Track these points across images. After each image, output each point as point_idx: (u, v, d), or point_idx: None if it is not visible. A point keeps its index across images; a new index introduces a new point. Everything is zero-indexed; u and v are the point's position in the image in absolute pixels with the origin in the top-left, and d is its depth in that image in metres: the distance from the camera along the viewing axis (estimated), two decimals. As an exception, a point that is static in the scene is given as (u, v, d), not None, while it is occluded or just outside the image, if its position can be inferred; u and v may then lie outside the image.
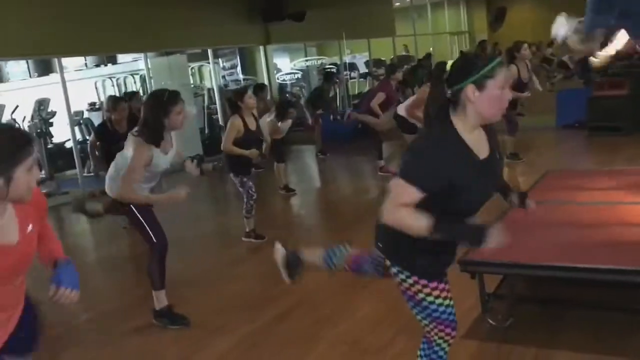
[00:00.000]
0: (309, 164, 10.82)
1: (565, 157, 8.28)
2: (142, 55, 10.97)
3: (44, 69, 12.39)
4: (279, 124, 7.50)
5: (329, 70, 13.25)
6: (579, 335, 3.27)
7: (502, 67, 2.06)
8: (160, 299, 4.02)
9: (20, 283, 2.09)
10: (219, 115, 12.17)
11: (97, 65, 12.44)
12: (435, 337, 2.37)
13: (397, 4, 17.34)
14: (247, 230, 5.86)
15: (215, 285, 4.81)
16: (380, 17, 15.39)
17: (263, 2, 11.80)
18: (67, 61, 10.95)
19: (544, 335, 3.30)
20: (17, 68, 12.97)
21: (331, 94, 11.97)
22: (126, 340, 3.96)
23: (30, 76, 12.72)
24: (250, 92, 5.89)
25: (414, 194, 2.04)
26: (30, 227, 1.95)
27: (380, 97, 8.03)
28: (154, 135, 3.76)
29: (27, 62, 12.58)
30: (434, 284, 2.27)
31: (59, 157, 10.82)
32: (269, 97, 10.33)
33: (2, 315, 2.02)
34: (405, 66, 11.71)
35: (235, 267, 5.39)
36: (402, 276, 2.29)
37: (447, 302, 2.31)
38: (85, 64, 12.59)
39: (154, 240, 3.92)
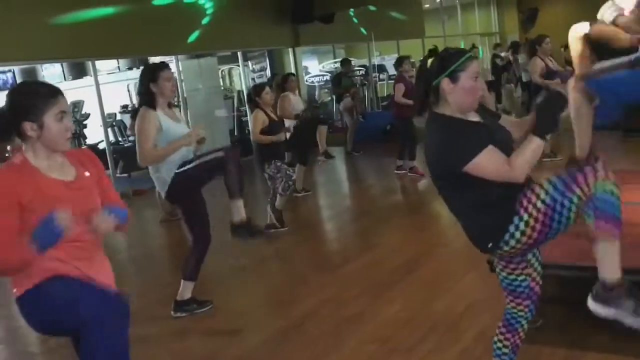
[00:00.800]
0: (337, 165, 10.83)
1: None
2: (173, 58, 11.14)
3: (78, 72, 12.66)
4: (291, 96, 7.66)
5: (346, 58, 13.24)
6: (609, 337, 3.21)
7: (472, 61, 2.28)
8: (241, 209, 4.08)
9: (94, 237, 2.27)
10: (249, 118, 12.27)
11: (130, 68, 12.66)
12: (592, 188, 2.14)
13: (427, 5, 17.25)
14: (280, 207, 5.99)
15: (243, 283, 4.86)
16: (409, 19, 15.33)
17: (292, 4, 11.86)
18: (100, 64, 11.17)
19: (573, 337, 3.26)
20: (52, 71, 13.27)
21: (360, 94, 12.05)
22: (155, 337, 4.02)
23: (64, 79, 13.00)
24: (267, 88, 6.11)
25: (493, 151, 2.18)
26: (87, 173, 2.23)
27: (400, 88, 8.11)
28: (147, 98, 3.95)
29: (62, 66, 12.87)
30: (529, 193, 2.22)
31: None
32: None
33: (83, 266, 2.21)
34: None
35: (263, 266, 5.43)
36: (522, 227, 2.22)
37: (551, 180, 2.21)
38: (118, 67, 12.83)
39: (222, 156, 3.94)
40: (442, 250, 5.08)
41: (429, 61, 2.34)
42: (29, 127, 2.05)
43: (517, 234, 2.26)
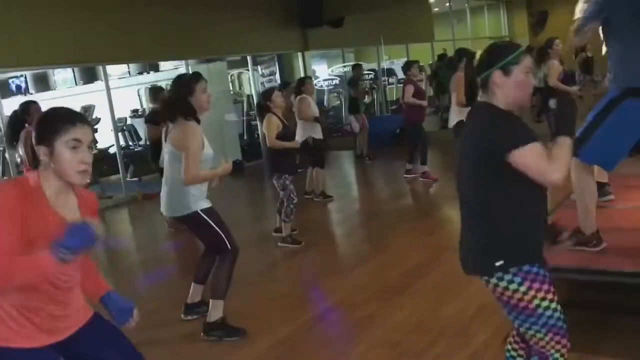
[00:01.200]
0: (347, 169, 10.84)
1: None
2: (183, 62, 11.20)
3: (89, 77, 12.76)
4: (309, 99, 7.61)
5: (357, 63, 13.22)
6: (622, 342, 3.19)
7: (526, 55, 2.23)
8: (219, 310, 3.91)
9: (74, 282, 2.14)
10: (258, 122, 12.29)
11: (140, 73, 12.74)
12: (552, 351, 2.28)
13: (436, 9, 17.24)
14: (284, 235, 5.91)
15: (253, 288, 4.85)
16: (418, 22, 15.32)
17: (301, 8, 11.89)
18: (110, 69, 11.25)
19: (586, 342, 3.22)
20: (64, 76, 13.39)
21: (367, 100, 12.03)
22: (163, 341, 4.04)
23: (76, 84, 13.11)
24: (277, 91, 6.08)
25: (540, 147, 2.11)
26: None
27: (409, 89, 8.15)
28: (188, 111, 3.75)
29: (73, 71, 12.97)
30: (546, 287, 2.21)
31: (103, 162, 11.11)
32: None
33: (56, 309, 2.09)
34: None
35: (273, 270, 5.44)
36: (514, 285, 2.20)
37: (558, 306, 2.25)
38: (129, 71, 12.90)
39: (229, 247, 3.87)
40: (451, 254, 5.00)
41: (479, 53, 2.31)
42: (42, 151, 1.98)
43: (502, 284, 2.21)
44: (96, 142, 11.32)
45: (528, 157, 2.10)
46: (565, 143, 2.16)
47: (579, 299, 3.76)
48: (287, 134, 5.91)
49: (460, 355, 3.31)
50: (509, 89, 2.20)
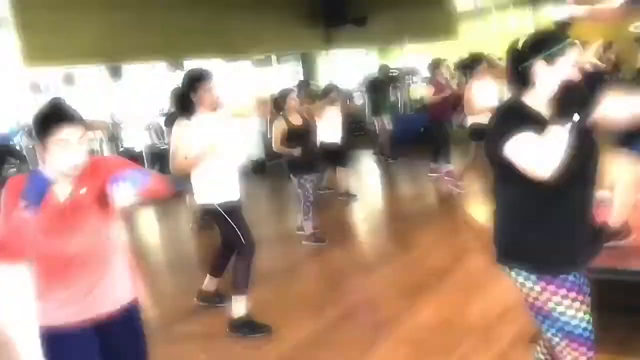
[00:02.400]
0: (370, 168, 10.81)
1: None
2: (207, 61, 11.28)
3: (115, 75, 12.89)
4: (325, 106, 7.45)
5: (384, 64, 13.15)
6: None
7: (573, 47, 2.02)
8: (241, 305, 3.94)
9: (94, 258, 2.22)
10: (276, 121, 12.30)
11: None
12: (569, 357, 2.16)
13: (461, 7, 17.09)
14: (307, 233, 5.93)
15: (277, 285, 4.88)
16: (443, 21, 15.24)
17: (325, 7, 11.90)
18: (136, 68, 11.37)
19: (614, 344, 3.18)
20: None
21: (392, 98, 11.97)
22: (188, 337, 4.08)
23: (102, 82, 13.25)
24: (293, 94, 6.01)
25: (529, 136, 1.92)
26: (84, 189, 2.15)
27: (430, 90, 8.13)
28: (182, 106, 3.86)
29: (100, 69, 13.12)
30: (564, 291, 2.08)
31: (130, 160, 11.25)
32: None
33: (81, 288, 2.19)
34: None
35: (296, 268, 5.45)
36: (529, 283, 2.10)
37: (580, 313, 2.11)
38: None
39: (242, 242, 3.92)
40: (477, 253, 5.03)
41: (521, 41, 2.08)
42: (37, 148, 2.11)
43: (520, 279, 2.12)
44: (122, 140, 11.38)
45: (515, 150, 1.93)
46: (554, 132, 1.87)
47: (608, 300, 3.71)
48: (294, 135, 5.78)
49: (485, 354, 3.29)
50: (551, 82, 1.99)
